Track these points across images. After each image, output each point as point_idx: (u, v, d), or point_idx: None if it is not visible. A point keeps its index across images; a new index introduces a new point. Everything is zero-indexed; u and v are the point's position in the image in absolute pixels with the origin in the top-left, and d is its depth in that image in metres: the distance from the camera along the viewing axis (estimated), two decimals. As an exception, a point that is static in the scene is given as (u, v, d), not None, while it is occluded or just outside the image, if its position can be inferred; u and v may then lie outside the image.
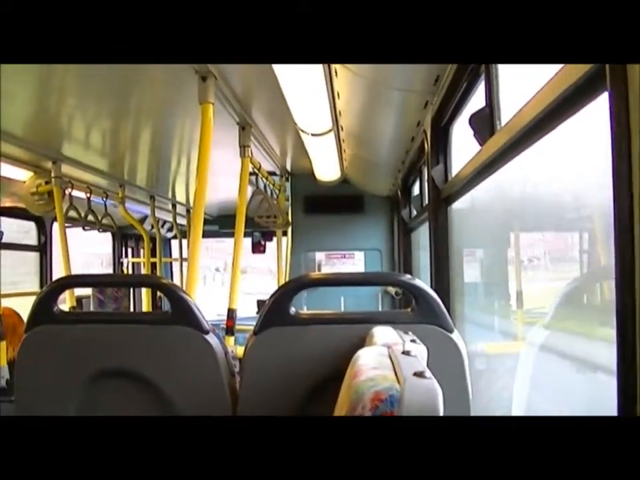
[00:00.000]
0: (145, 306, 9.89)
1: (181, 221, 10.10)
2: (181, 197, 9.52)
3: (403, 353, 1.79)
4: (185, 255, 9.92)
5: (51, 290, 3.01)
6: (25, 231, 8.30)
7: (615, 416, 1.53)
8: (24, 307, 5.28)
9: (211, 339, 2.85)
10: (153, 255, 10.14)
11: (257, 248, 10.68)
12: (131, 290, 10.65)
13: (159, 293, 9.80)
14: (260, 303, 9.90)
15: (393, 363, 1.73)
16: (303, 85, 3.95)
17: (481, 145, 2.95)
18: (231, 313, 4.59)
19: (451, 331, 2.73)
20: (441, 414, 1.40)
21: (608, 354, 1.72)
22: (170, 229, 11.03)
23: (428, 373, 1.47)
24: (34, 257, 8.26)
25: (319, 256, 9.12)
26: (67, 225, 6.39)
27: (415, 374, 1.46)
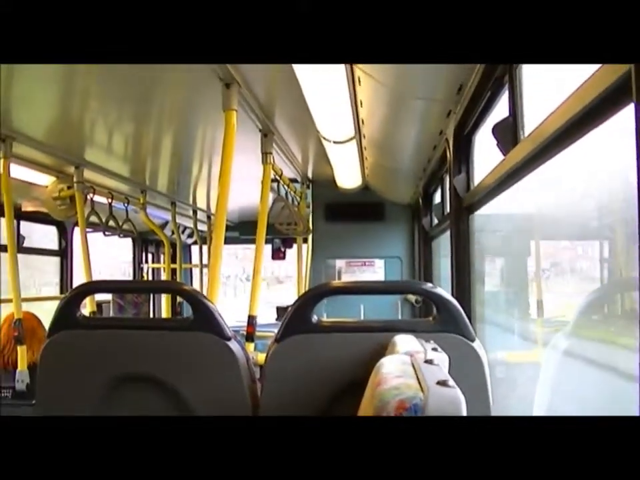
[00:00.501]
0: (165, 312, 9.91)
1: (202, 227, 10.11)
2: (201, 203, 9.54)
3: (426, 361, 1.79)
4: (205, 261, 9.94)
5: (73, 295, 3.03)
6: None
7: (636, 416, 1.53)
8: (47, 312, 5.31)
9: (233, 345, 2.85)
10: (173, 260, 10.15)
11: (277, 254, 10.70)
12: (151, 296, 10.67)
13: (178, 299, 9.81)
14: (280, 310, 9.92)
15: (415, 372, 1.73)
16: (325, 93, 3.96)
17: (504, 154, 2.95)
18: (251, 320, 4.59)
19: (473, 340, 2.73)
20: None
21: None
22: (190, 235, 11.05)
23: (451, 382, 1.47)
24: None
25: (339, 263, 9.12)
26: (87, 230, 6.41)
27: (438, 383, 1.47)
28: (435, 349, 2.16)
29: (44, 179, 6.36)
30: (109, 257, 13.64)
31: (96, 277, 6.61)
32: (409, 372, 1.75)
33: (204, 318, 2.87)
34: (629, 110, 1.62)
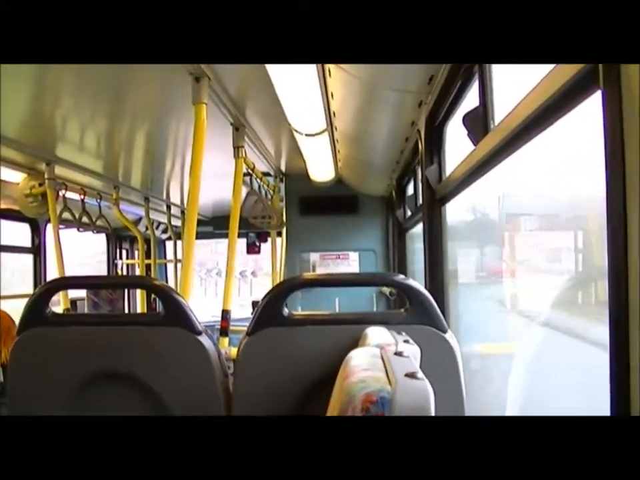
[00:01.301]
0: (140, 308, 9.88)
1: (176, 222, 10.09)
2: (175, 198, 9.52)
3: (396, 353, 1.78)
4: (179, 256, 9.91)
5: (43, 292, 3.00)
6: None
7: (608, 416, 1.53)
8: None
9: (204, 340, 2.84)
10: (148, 256, 10.13)
11: (252, 249, 10.70)
12: (126, 292, 10.64)
13: (153, 295, 9.79)
14: (255, 304, 9.90)
15: (385, 364, 1.72)
16: (296, 86, 3.95)
17: (474, 144, 2.94)
18: (225, 314, 4.58)
19: (445, 331, 2.72)
20: (432, 415, 1.39)
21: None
22: (164, 231, 11.02)
23: (420, 374, 1.46)
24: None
25: (314, 257, 9.12)
26: (60, 226, 6.38)
27: (407, 375, 1.46)
28: (406, 341, 2.15)
29: (15, 176, 6.33)
30: (85, 256, 13.58)
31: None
32: (378, 365, 1.74)
33: (175, 313, 2.86)
34: (596, 97, 1.62)
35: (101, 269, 12.02)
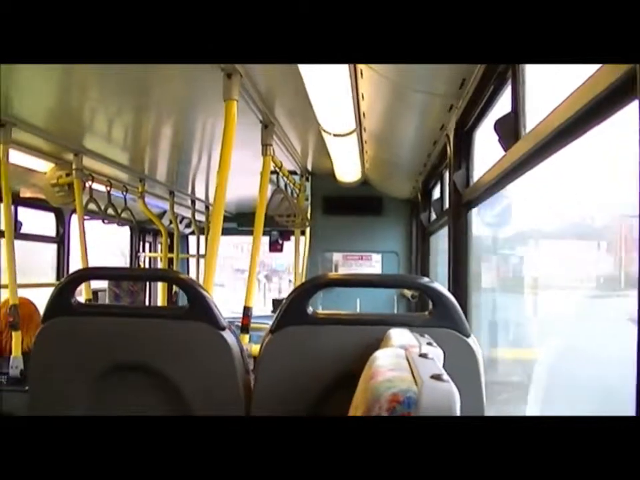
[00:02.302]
0: (161, 301, 9.90)
1: (199, 217, 10.10)
2: (200, 193, 9.53)
3: (420, 355, 1.78)
4: (202, 251, 9.92)
5: (69, 281, 3.02)
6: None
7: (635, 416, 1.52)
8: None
9: (227, 335, 2.85)
10: (170, 250, 10.15)
11: (275, 247, 10.72)
12: (147, 284, 10.66)
13: (174, 289, 9.81)
14: (275, 302, 9.92)
15: (410, 365, 1.72)
16: (327, 85, 3.94)
17: (505, 150, 2.94)
18: (246, 311, 4.57)
19: (468, 336, 2.72)
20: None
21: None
22: (188, 225, 11.05)
23: (445, 376, 1.47)
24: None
25: (336, 257, 9.10)
26: (85, 217, 6.40)
27: (433, 376, 1.46)
28: (429, 343, 2.16)
29: (42, 166, 6.36)
30: (109, 253, 13.61)
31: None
32: (403, 365, 1.74)
33: (199, 307, 2.87)
34: (632, 107, 1.61)
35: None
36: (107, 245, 11.63)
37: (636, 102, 1.54)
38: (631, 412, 1.49)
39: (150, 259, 11.99)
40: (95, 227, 7.62)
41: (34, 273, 8.34)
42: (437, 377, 1.46)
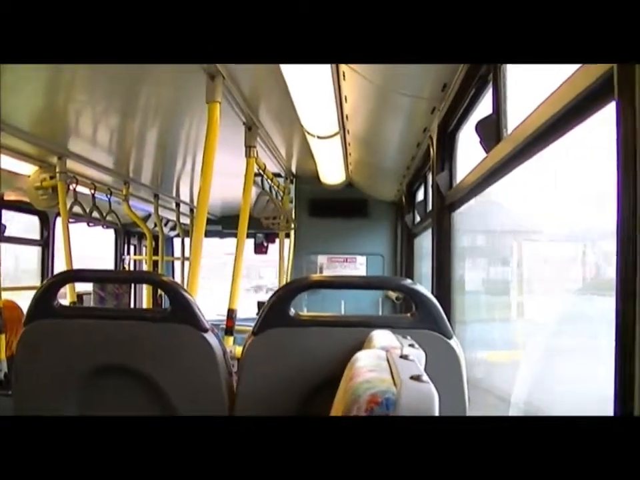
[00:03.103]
0: (146, 304, 9.88)
1: (184, 220, 10.10)
2: (184, 196, 9.53)
3: (401, 356, 1.79)
4: (187, 254, 9.91)
5: (51, 284, 3.01)
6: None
7: (611, 416, 1.53)
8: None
9: (210, 337, 2.85)
10: (155, 253, 10.14)
11: (260, 249, 10.74)
12: (132, 287, 10.65)
13: (159, 292, 9.79)
14: (260, 304, 9.92)
15: (390, 366, 1.73)
16: (310, 87, 3.95)
17: (486, 152, 2.95)
18: (230, 313, 4.57)
19: (450, 337, 2.73)
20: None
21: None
22: (173, 228, 11.05)
23: (425, 377, 1.47)
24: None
25: (321, 259, 9.11)
26: (70, 220, 6.39)
27: (412, 377, 1.46)
28: (411, 345, 2.16)
29: (26, 168, 6.34)
30: (93, 258, 13.56)
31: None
32: (384, 366, 1.75)
33: (181, 309, 2.87)
34: (609, 108, 1.63)
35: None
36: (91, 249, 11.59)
37: (613, 103, 1.56)
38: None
39: (135, 261, 11.97)
40: (81, 232, 7.62)
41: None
42: (416, 378, 1.46)
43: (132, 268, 11.73)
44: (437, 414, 1.40)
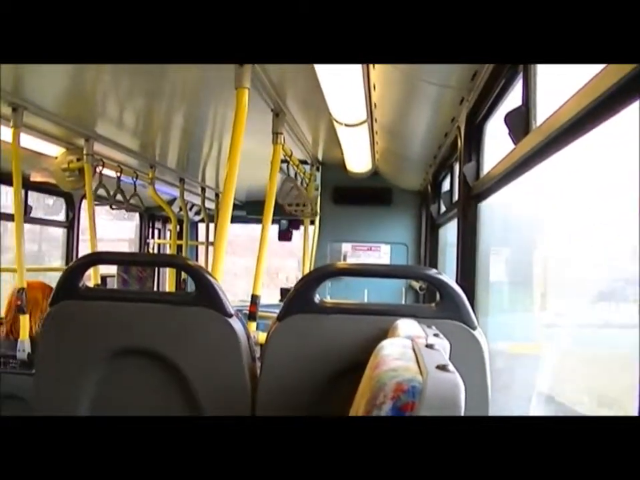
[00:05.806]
0: (169, 288, 9.91)
1: (209, 205, 10.11)
2: (210, 180, 9.54)
3: (427, 346, 1.79)
4: (211, 239, 9.93)
5: (78, 265, 3.03)
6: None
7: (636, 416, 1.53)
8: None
9: (234, 322, 2.86)
10: (180, 237, 10.16)
11: (284, 235, 10.75)
12: (156, 271, 10.67)
13: (183, 276, 9.82)
14: (283, 291, 9.93)
15: (416, 356, 1.73)
16: (339, 75, 3.95)
17: (515, 143, 2.94)
18: (254, 299, 4.58)
19: (474, 328, 2.73)
20: (462, 408, 1.40)
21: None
22: (197, 213, 11.06)
23: (451, 367, 1.47)
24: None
25: (345, 247, 9.10)
26: (95, 202, 6.42)
27: (438, 367, 1.47)
28: (436, 335, 2.16)
29: (53, 150, 6.38)
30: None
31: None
32: (409, 355, 1.75)
33: (206, 294, 2.88)
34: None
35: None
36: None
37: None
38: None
39: (159, 245, 12.00)
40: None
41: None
42: (442, 368, 1.47)
43: (156, 251, 11.77)
44: (462, 403, 1.40)
